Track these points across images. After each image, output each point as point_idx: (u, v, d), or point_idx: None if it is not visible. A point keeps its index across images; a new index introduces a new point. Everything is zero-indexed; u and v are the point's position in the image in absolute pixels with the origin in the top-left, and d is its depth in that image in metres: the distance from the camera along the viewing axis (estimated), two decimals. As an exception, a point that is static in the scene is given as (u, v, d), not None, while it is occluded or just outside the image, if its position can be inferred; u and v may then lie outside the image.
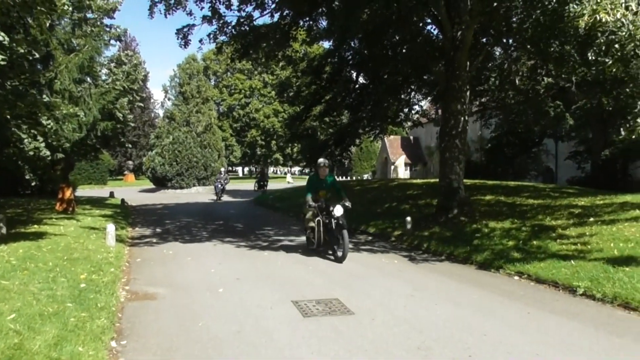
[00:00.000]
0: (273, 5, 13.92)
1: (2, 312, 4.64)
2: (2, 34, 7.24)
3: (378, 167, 50.21)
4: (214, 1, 13.46)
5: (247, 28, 14.15)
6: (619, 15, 6.16)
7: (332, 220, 8.73)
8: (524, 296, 6.37)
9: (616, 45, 6.56)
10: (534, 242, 8.54)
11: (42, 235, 9.54)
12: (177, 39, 13.92)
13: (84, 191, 29.47)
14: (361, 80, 19.52)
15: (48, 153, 11.10)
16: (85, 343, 4.24)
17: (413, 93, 19.28)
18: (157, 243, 11.00)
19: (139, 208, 20.55)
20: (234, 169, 76.16)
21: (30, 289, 5.63)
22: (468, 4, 11.06)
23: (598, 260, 7.02)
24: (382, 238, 11.62)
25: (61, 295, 5.51)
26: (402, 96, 18.94)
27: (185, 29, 13.80)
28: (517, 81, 14.87)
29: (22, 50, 7.94)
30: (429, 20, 13.56)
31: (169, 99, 52.76)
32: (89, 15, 13.97)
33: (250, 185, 37.58)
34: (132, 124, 22.10)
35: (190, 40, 13.99)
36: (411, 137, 46.24)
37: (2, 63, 7.20)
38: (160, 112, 55.91)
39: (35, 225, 11.01)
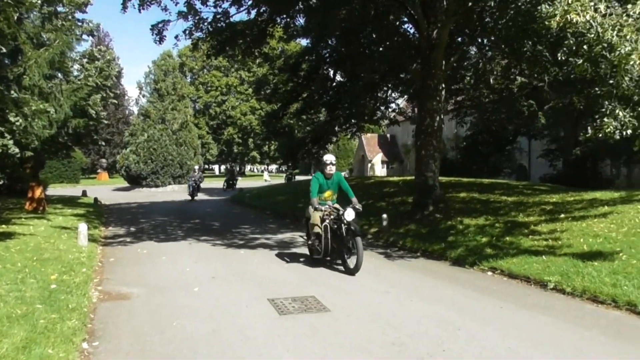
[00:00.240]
0: (250, 2, 13.81)
1: (-33, 315, 4.51)
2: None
3: (355, 164, 50.47)
4: (189, -3, 13.29)
5: (224, 24, 14.02)
6: (588, 17, 6.31)
7: (343, 225, 7.71)
8: (497, 291, 6.49)
9: (585, 47, 6.71)
10: (507, 238, 8.70)
11: (11, 236, 9.29)
12: (152, 34, 13.71)
13: (55, 190, 28.78)
14: (338, 78, 19.55)
15: (17, 151, 10.77)
16: (56, 345, 4.15)
17: (390, 91, 19.40)
18: (131, 242, 10.83)
19: (112, 207, 20.19)
20: (210, 167, 75.44)
21: (-3, 290, 5.48)
22: (444, 4, 11.17)
23: (568, 256, 7.19)
24: (358, 235, 11.66)
25: (30, 297, 5.38)
26: (379, 94, 19.05)
27: (160, 25, 13.58)
28: (491, 80, 15.13)
29: (-12, 45, 7.70)
30: (405, 19, 13.68)
31: (143, 96, 52.12)
32: (60, 8, 13.60)
33: (227, 183, 37.19)
34: (106, 121, 21.69)
35: (165, 36, 13.78)
36: (388, 135, 46.58)
37: (-33, 57, 6.97)
38: (135, 110, 55.18)
39: (3, 225, 10.69)
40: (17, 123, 9.42)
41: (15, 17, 9.00)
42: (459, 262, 8.27)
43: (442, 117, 12.15)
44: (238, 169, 66.28)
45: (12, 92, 9.42)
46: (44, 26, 12.76)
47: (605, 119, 6.75)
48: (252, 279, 7.20)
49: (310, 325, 5.08)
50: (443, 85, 12.04)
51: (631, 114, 6.79)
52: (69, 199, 21.09)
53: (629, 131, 6.86)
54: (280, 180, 39.19)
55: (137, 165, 31.91)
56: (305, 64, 19.26)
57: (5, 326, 4.37)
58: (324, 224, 7.87)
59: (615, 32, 6.22)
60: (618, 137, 6.87)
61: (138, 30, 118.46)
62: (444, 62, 11.84)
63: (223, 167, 77.65)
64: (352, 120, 20.60)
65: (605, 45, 6.36)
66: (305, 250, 9.10)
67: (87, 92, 13.94)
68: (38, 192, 14.60)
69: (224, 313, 5.51)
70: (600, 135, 6.86)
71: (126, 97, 56.27)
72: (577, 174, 20.72)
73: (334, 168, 8.28)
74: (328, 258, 8.14)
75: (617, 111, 6.71)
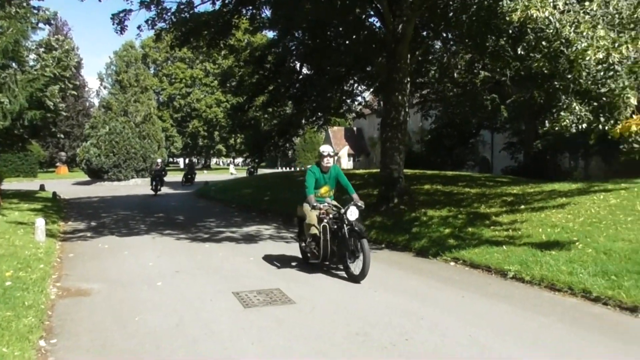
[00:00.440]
0: (215, -8, 13.58)
1: None
2: None
3: (322, 158, 50.44)
4: (151, -15, 12.94)
5: (188, 15, 13.72)
6: (547, 13, 6.49)
7: (344, 225, 6.88)
8: (459, 281, 6.64)
9: (544, 42, 6.91)
10: (469, 229, 8.90)
11: (-37, 231, 8.90)
12: (113, 24, 13.25)
13: (10, 184, 27.73)
14: (305, 71, 19.48)
15: (-32, 143, 10.33)
16: (11, 343, 4.00)
17: (356, 84, 19.47)
18: (92, 237, 10.53)
19: (72, 201, 19.57)
20: (175, 160, 74.12)
21: (-53, 288, 5.24)
22: (409, -2, 11.26)
23: (527, 245, 7.41)
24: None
25: (-17, 294, 5.17)
26: (345, 87, 19.09)
27: (121, 14, 13.17)
28: (455, 74, 15.36)
29: None
30: (371, 13, 13.71)
31: (105, 88, 50.76)
32: (14, -5, 13.07)
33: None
34: (65, 113, 21.01)
35: (127, 26, 13.33)
36: (354, 128, 46.91)
37: None
38: (96, 102, 53.61)
39: (-45, 221, 10.25)
40: (-32, 114, 9.01)
41: (-36, 3, 8.58)
42: (423, 252, 8.41)
43: (407, 110, 12.28)
44: (204, 162, 65.45)
45: (-38, 81, 9.01)
46: (-3, 13, 12.22)
47: (562, 113, 6.97)
48: (216, 273, 7.13)
49: (275, 317, 5.07)
50: (408, 79, 12.17)
51: (587, 108, 7.04)
52: (26, 193, 20.30)
53: (585, 125, 7.11)
54: (244, 173, 38.91)
55: (99, 159, 31.03)
56: (271, 57, 19.09)
57: (-44, 325, 4.19)
58: (322, 225, 6.98)
59: (572, 29, 6.41)
60: (574, 131, 7.12)
61: (98, 19, 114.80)
62: (409, 56, 11.97)
63: (187, 160, 76.52)
64: (319, 113, 20.59)
65: (563, 40, 6.55)
66: (269, 243, 9.04)
67: (44, 83, 13.47)
68: (-8, 187, 14.02)
69: (188, 307, 5.43)
70: (557, 128, 7.09)
71: (86, 89, 54.57)
72: (538, 166, 21.36)
73: (331, 160, 7.33)
74: (327, 262, 7.33)
75: (573, 105, 6.95)
